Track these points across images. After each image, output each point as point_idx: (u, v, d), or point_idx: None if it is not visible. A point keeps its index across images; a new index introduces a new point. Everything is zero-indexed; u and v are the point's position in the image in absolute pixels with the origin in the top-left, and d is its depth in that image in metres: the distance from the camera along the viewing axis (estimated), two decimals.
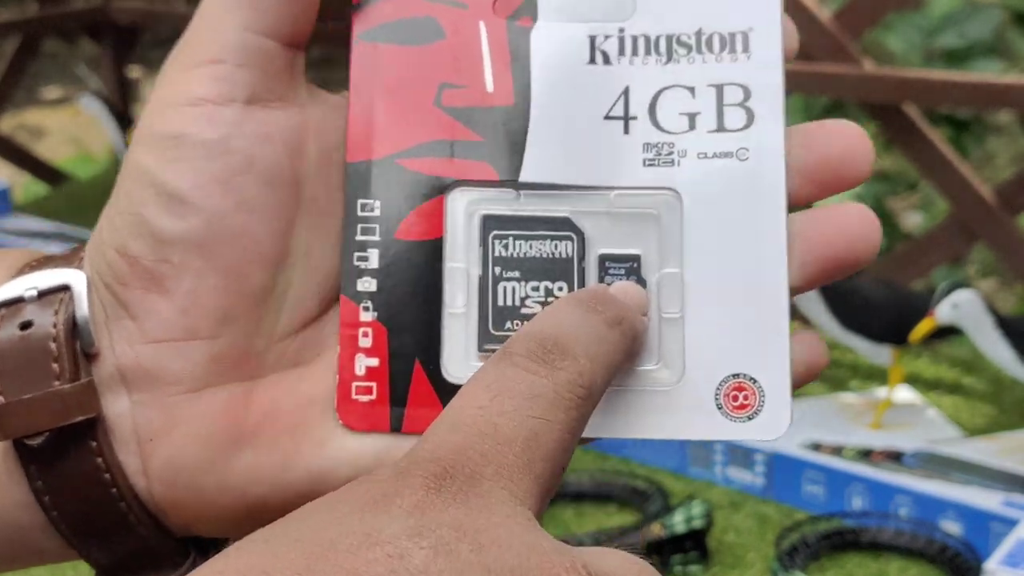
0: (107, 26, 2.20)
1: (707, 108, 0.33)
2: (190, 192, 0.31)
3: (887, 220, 2.13)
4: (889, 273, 1.46)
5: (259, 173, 0.31)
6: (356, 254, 0.33)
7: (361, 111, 0.34)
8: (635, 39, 0.33)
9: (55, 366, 0.31)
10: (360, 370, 0.33)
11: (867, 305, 1.16)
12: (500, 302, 0.33)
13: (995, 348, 1.09)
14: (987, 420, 1.21)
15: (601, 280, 0.32)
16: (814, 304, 1.16)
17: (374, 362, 0.33)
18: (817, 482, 1.05)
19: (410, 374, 0.33)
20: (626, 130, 0.33)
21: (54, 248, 1.86)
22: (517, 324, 0.32)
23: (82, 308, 0.31)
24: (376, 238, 0.33)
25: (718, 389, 0.32)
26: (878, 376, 1.29)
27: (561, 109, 0.33)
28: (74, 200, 2.01)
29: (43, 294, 0.32)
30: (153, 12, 2.15)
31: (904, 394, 1.23)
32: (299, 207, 0.32)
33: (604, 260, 0.33)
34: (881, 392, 1.23)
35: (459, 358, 0.33)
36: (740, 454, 1.09)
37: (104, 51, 2.24)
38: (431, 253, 0.33)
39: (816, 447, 1.08)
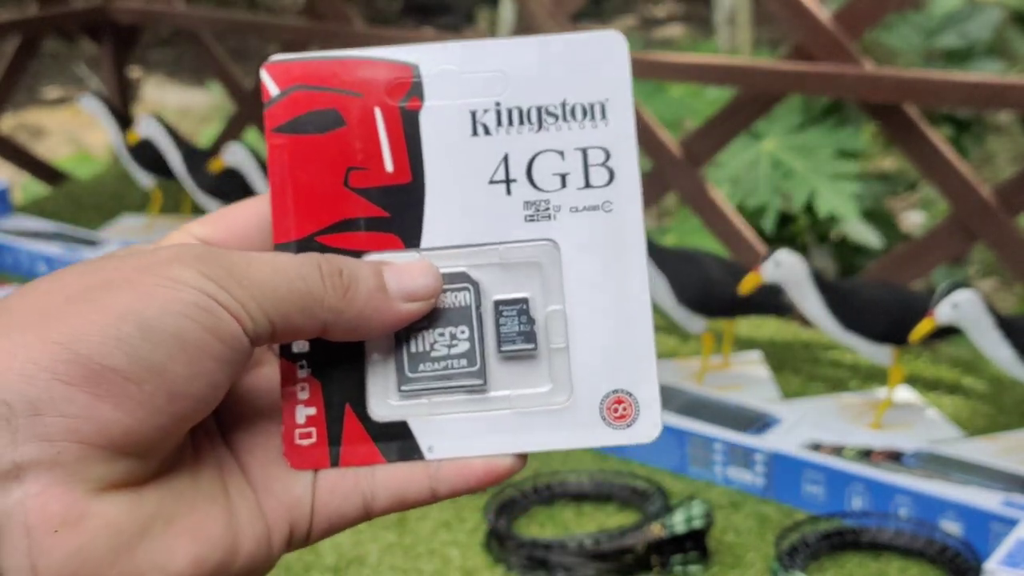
0: (107, 26, 2.20)
1: (575, 169, 0.38)
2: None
3: (887, 220, 2.13)
4: (889, 273, 1.45)
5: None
6: None
7: (281, 197, 0.39)
8: (510, 111, 0.39)
9: None
10: (301, 419, 0.38)
11: (867, 305, 1.16)
12: (413, 349, 0.38)
13: (995, 348, 1.09)
14: (987, 420, 1.21)
15: (497, 321, 0.38)
16: (814, 304, 1.16)
17: (312, 411, 0.38)
18: (817, 482, 1.05)
19: (342, 417, 0.38)
20: (508, 191, 0.39)
21: (54, 248, 1.84)
22: (428, 366, 0.38)
23: None
24: None
25: (601, 403, 0.38)
26: (878, 376, 1.29)
27: (451, 179, 0.39)
28: (74, 200, 2.01)
29: None
30: (153, 12, 2.15)
31: (904, 394, 1.23)
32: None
33: (498, 304, 0.38)
34: (881, 392, 1.23)
35: (382, 399, 0.38)
36: (740, 454, 1.09)
37: (104, 51, 2.24)
38: None
39: (816, 447, 1.08)
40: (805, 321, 1.44)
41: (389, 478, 0.38)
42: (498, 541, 1.01)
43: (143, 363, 0.32)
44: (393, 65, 0.39)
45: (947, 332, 1.12)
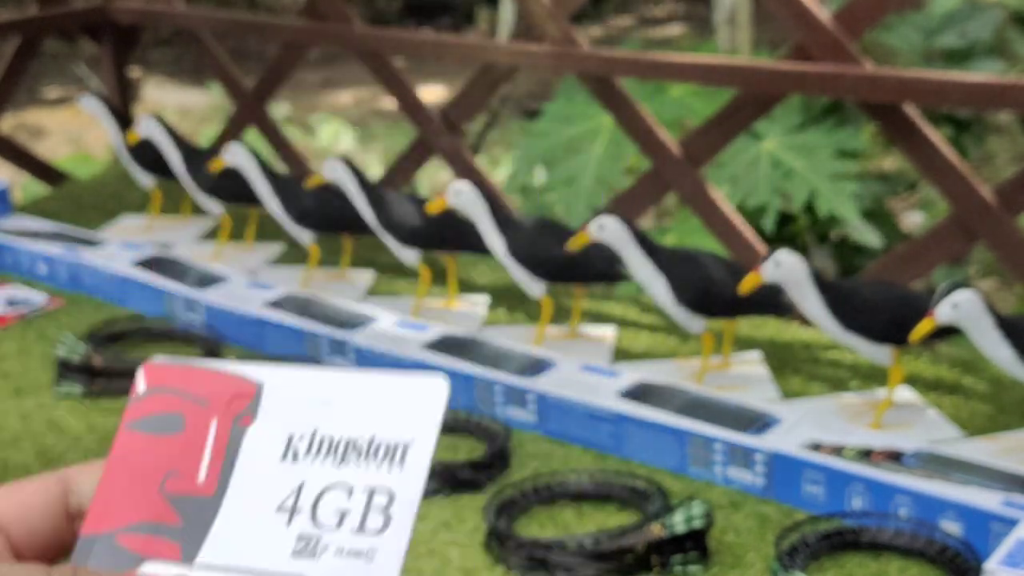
0: (107, 26, 2.20)
1: (357, 509, 0.37)
2: None
3: (887, 220, 2.14)
4: (889, 273, 1.45)
5: None
6: None
7: (105, 489, 0.39)
8: (322, 440, 0.38)
9: None
10: None
11: (867, 305, 1.16)
12: None
13: (995, 348, 1.09)
14: (987, 420, 1.21)
15: None
16: (814, 304, 1.16)
17: None
18: (817, 482, 1.05)
19: None
20: (289, 521, 0.38)
21: (54, 248, 1.83)
22: None
23: None
24: None
25: None
26: (878, 376, 1.29)
27: (246, 500, 0.38)
28: (74, 200, 2.01)
29: None
30: (153, 12, 2.15)
31: (904, 394, 1.23)
32: None
33: None
34: (881, 392, 1.23)
35: None
36: (740, 454, 1.09)
37: (104, 51, 2.24)
38: None
39: (816, 447, 1.08)
40: (805, 321, 1.44)
41: None
42: (498, 541, 1.01)
43: None
44: (241, 381, 0.40)
45: (947, 332, 1.12)
